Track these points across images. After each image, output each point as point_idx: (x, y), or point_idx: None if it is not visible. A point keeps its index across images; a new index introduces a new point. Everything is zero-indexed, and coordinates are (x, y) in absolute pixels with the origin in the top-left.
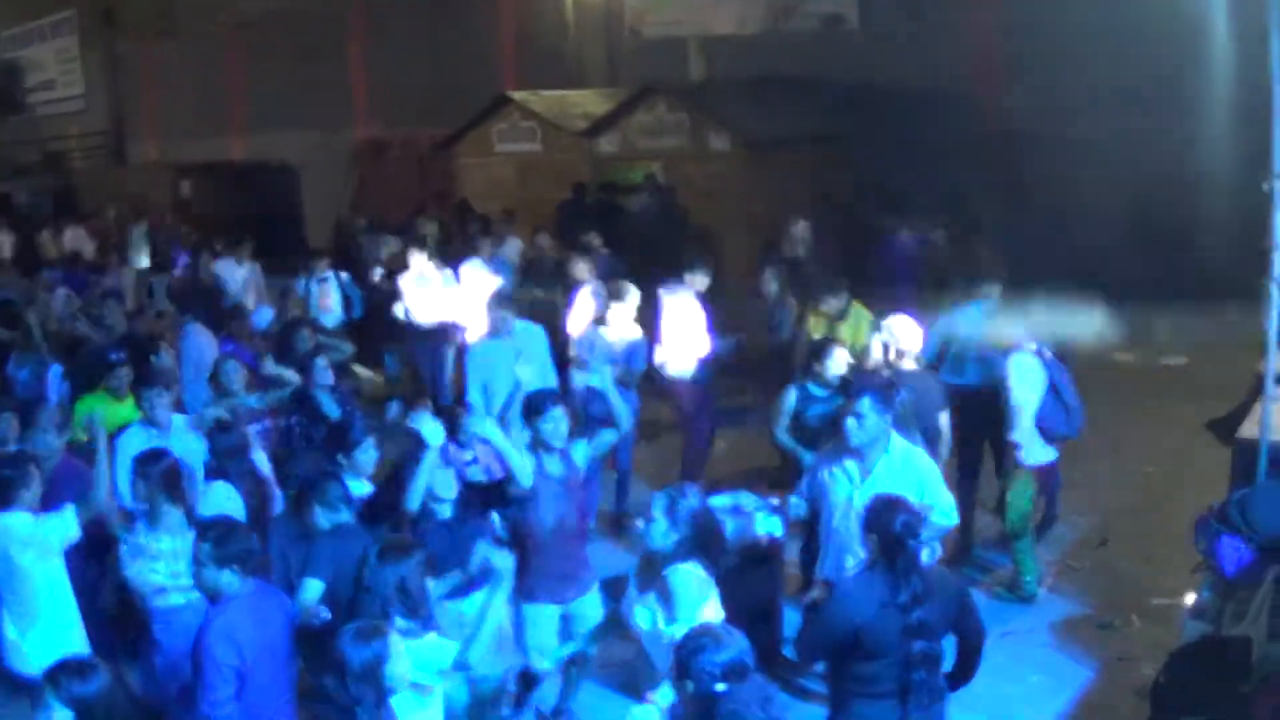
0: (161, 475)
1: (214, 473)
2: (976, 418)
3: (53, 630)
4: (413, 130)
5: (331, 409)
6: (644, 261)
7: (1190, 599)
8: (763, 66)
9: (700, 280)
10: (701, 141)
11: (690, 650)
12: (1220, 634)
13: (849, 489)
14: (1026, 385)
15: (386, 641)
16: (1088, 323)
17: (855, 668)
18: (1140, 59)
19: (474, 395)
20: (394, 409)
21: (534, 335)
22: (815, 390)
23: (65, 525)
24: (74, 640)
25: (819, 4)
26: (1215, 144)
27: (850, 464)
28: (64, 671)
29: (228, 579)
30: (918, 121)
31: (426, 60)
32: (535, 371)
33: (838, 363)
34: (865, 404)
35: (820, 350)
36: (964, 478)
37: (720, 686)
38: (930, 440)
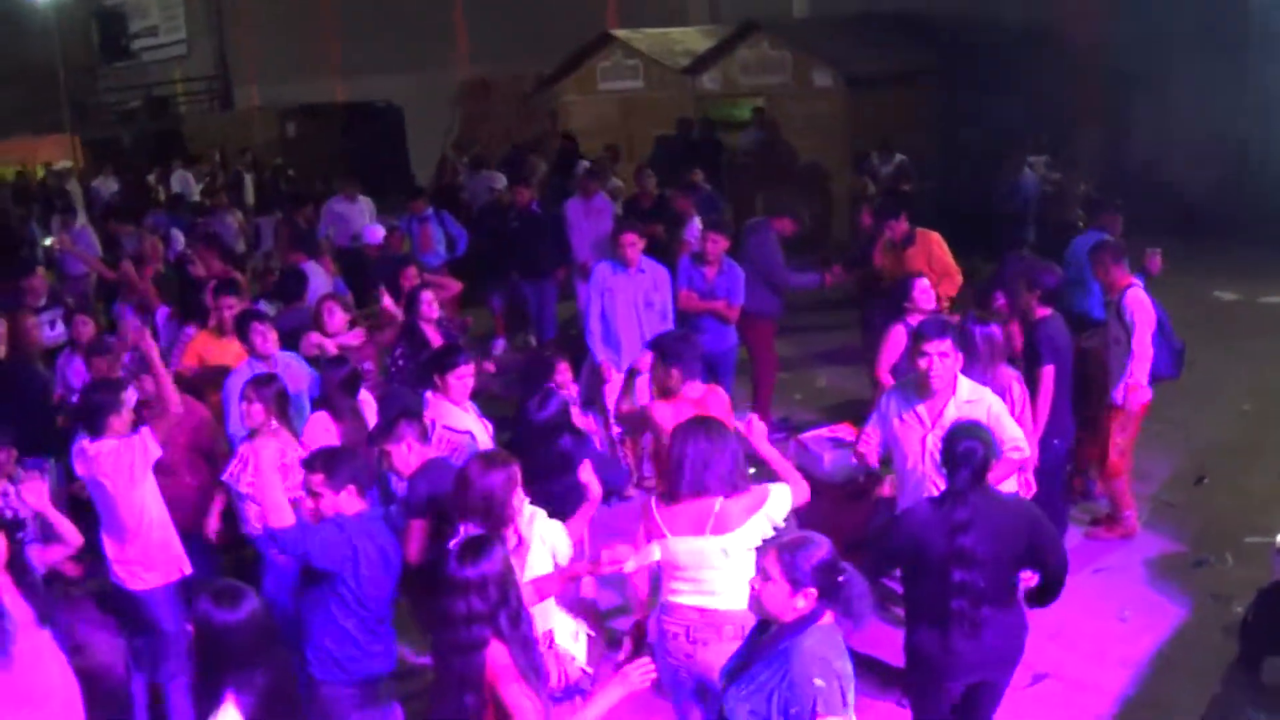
0: (273, 397)
1: (320, 404)
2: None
3: (148, 549)
4: (515, 69)
5: (436, 341)
6: (748, 197)
7: None
8: (864, 3)
9: (787, 224)
10: (804, 78)
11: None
12: None
13: (920, 432)
14: (1146, 324)
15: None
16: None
17: (911, 590)
18: None
19: (594, 322)
20: (499, 344)
21: (662, 276)
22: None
23: (146, 448)
24: (173, 559)
25: None
26: None
27: (921, 408)
28: (207, 595)
29: (345, 500)
30: (1019, 58)
31: None
32: (660, 309)
33: (924, 294)
34: (936, 345)
35: (906, 286)
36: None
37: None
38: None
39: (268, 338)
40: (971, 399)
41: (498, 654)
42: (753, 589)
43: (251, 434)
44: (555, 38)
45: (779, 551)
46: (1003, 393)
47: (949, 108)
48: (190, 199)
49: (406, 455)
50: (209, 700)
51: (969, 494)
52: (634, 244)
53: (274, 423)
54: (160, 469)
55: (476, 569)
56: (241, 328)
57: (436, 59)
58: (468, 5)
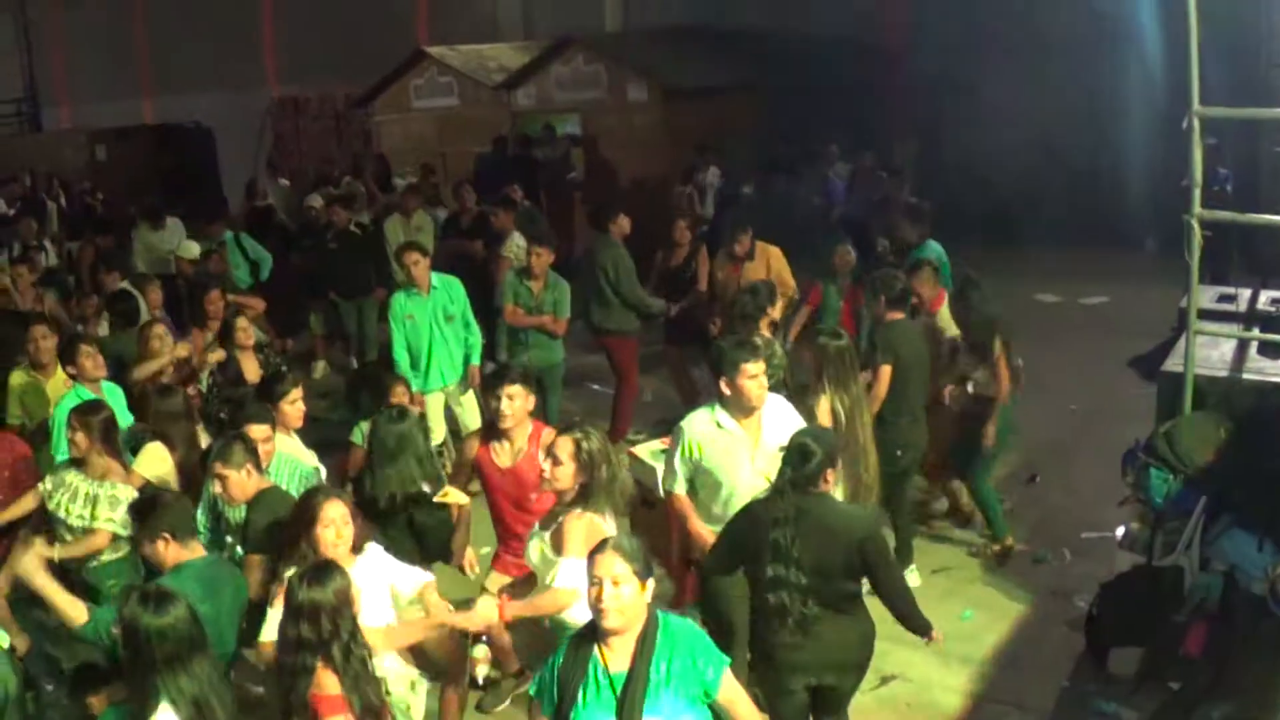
0: (99, 425)
1: (152, 434)
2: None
3: None
4: (327, 87)
5: (252, 371)
6: (565, 212)
7: (1120, 532)
8: (680, 16)
9: (625, 224)
10: (620, 92)
11: None
12: (1151, 565)
13: (745, 450)
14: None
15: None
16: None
17: (750, 585)
18: (1051, 3)
19: (399, 352)
20: (319, 367)
21: (455, 287)
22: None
23: None
24: None
25: None
26: (1128, 83)
27: (738, 426)
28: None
29: (165, 551)
30: (833, 69)
31: (338, 16)
32: (460, 318)
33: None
34: (757, 366)
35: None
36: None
37: None
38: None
39: (96, 361)
40: (780, 410)
41: (327, 683)
42: (606, 600)
43: (77, 463)
44: (366, 56)
45: (620, 553)
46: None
47: (765, 118)
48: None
49: (244, 482)
50: (140, 705)
51: (789, 492)
52: (416, 263)
53: (99, 453)
54: None
55: (309, 595)
56: (69, 352)
57: (247, 78)
58: (277, 24)
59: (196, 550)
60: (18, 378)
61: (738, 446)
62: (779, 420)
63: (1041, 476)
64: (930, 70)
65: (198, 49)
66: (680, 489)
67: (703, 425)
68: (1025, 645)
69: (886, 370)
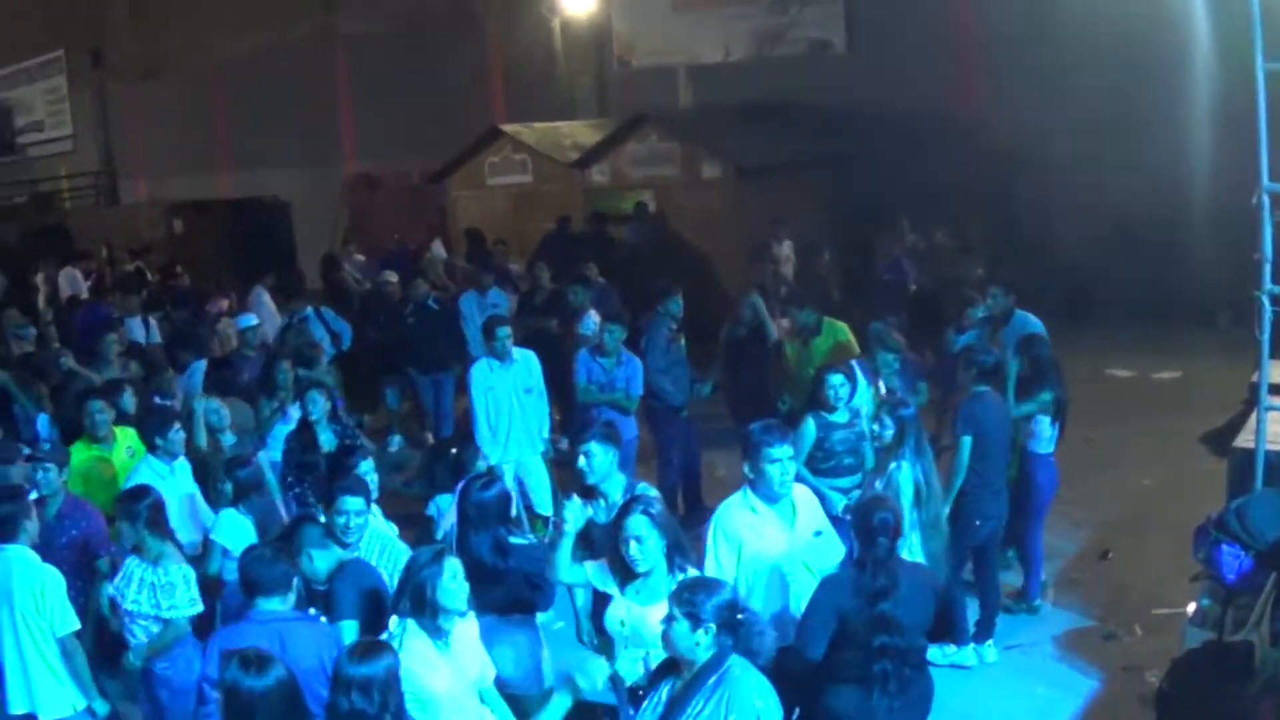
0: (143, 512)
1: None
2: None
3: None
4: (403, 164)
5: (329, 440)
6: (634, 291)
7: (1191, 608)
8: (752, 93)
9: (676, 308)
10: (693, 169)
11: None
12: (1222, 640)
13: (783, 534)
14: None
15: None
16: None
17: (832, 653)
18: (1124, 79)
19: (480, 423)
20: (395, 442)
21: (532, 361)
22: (834, 418)
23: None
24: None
25: (806, 30)
26: (1200, 160)
27: (771, 511)
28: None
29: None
30: (907, 144)
31: (415, 94)
32: (537, 393)
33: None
34: (783, 450)
35: (819, 381)
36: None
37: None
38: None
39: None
40: (807, 496)
41: None
42: (663, 630)
43: (134, 548)
44: (442, 133)
45: (680, 592)
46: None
47: (837, 195)
48: (81, 297)
49: (309, 565)
50: None
51: (888, 561)
52: (507, 336)
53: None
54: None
55: (360, 670)
56: (149, 429)
57: (324, 154)
58: (355, 100)
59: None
60: (79, 454)
61: (774, 533)
62: (808, 505)
63: (1114, 552)
64: (1005, 146)
65: (275, 124)
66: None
67: (738, 512)
68: None
69: (967, 443)
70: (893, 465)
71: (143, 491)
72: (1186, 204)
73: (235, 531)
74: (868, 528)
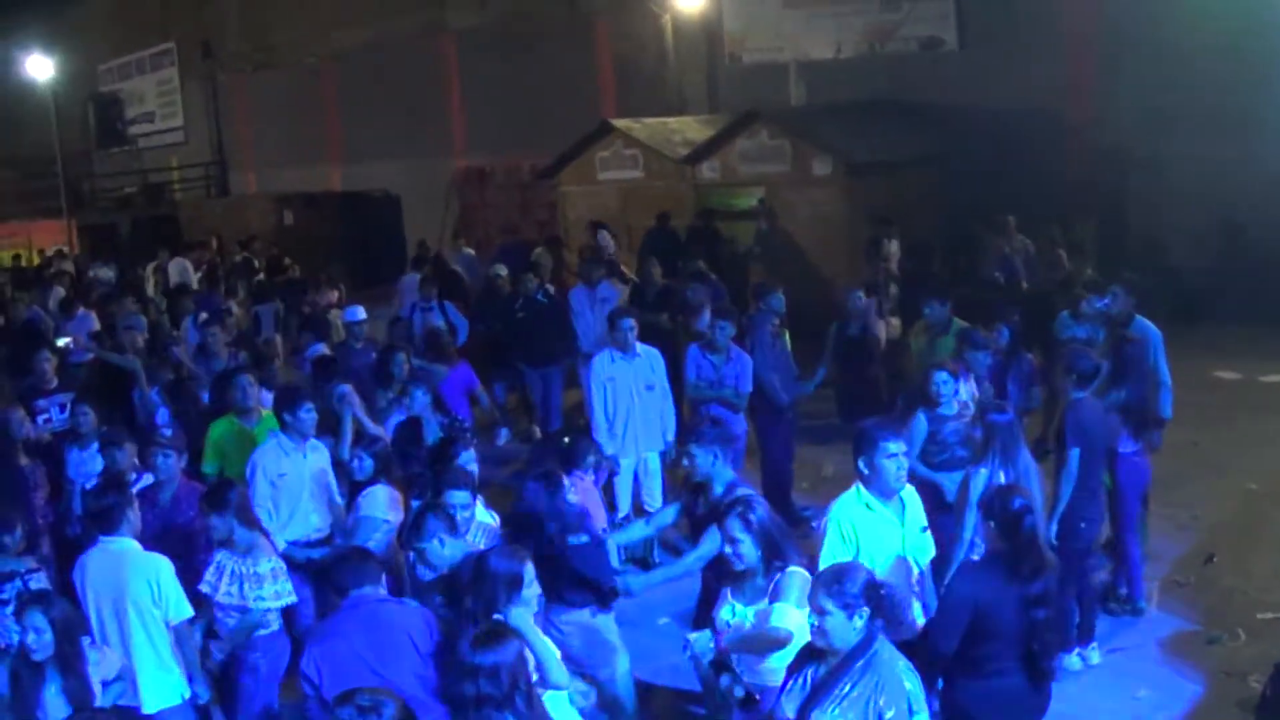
0: (230, 509)
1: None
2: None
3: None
4: (513, 158)
5: (434, 433)
6: (743, 288)
7: None
8: (862, 90)
9: (778, 300)
10: (803, 167)
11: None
12: None
13: (896, 530)
14: None
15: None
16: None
17: (973, 650)
18: (1238, 75)
19: (598, 415)
20: (504, 435)
21: (656, 358)
22: (943, 410)
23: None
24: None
25: (917, 26)
26: None
27: (888, 508)
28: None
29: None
30: (1018, 141)
31: (525, 88)
32: (660, 390)
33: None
34: (899, 445)
35: (925, 379)
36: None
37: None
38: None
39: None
40: (913, 493)
41: None
42: (814, 627)
43: (223, 543)
44: (551, 128)
45: (825, 587)
46: (1022, 477)
47: (947, 193)
48: (190, 288)
49: (439, 551)
50: None
51: (1035, 541)
52: (632, 329)
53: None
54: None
55: (487, 657)
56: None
57: (433, 148)
58: (465, 94)
59: None
60: (221, 427)
61: (889, 529)
62: (914, 501)
63: (1218, 557)
64: (1116, 144)
65: (386, 118)
66: None
67: (853, 509)
68: None
69: (1076, 454)
70: (971, 470)
71: (228, 484)
72: None
73: (387, 502)
74: (1007, 514)
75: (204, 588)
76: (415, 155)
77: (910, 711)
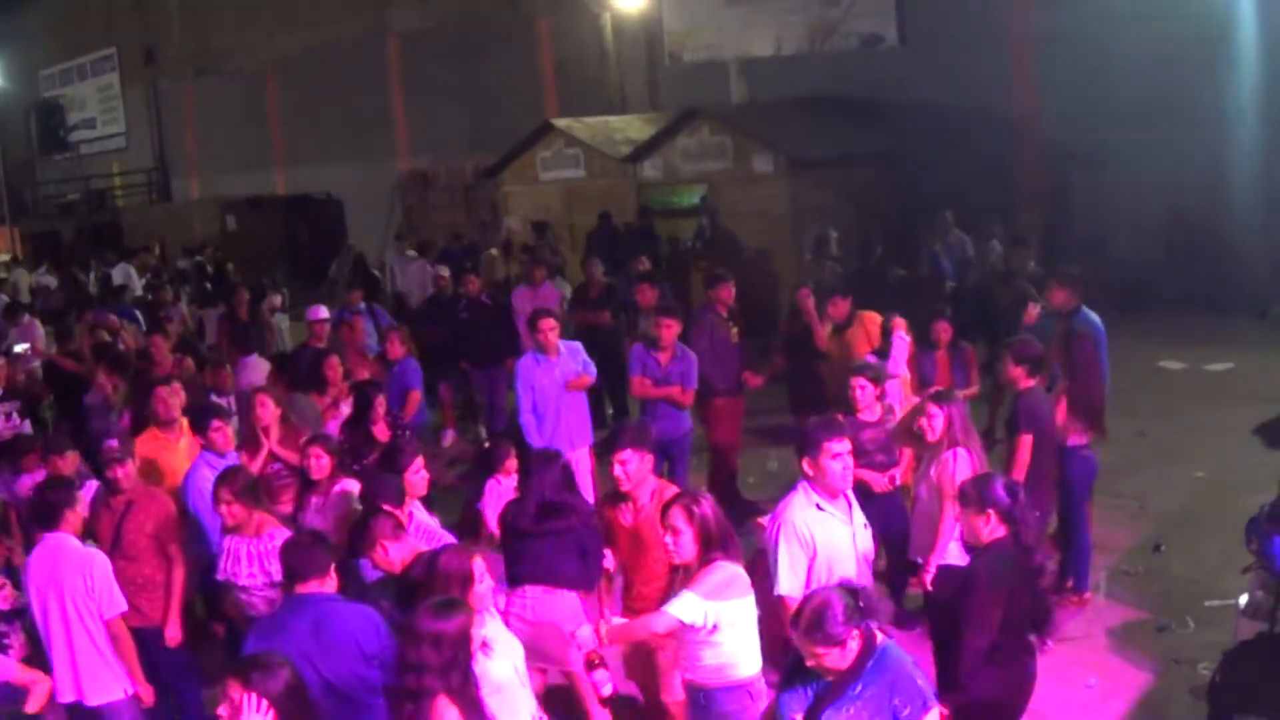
0: (246, 489)
1: None
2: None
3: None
4: (456, 160)
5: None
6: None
7: (1244, 599)
8: (804, 87)
9: (725, 291)
10: (745, 164)
11: None
12: (1275, 632)
13: (847, 531)
14: None
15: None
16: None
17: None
18: (1175, 69)
19: (525, 415)
20: (449, 435)
21: (576, 349)
22: (864, 417)
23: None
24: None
25: (858, 23)
26: (1251, 151)
27: (835, 507)
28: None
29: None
30: (958, 138)
31: (467, 91)
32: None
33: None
34: (842, 444)
35: (845, 384)
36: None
37: None
38: None
39: (226, 435)
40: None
41: (447, 712)
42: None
43: (236, 530)
44: (494, 129)
45: (807, 635)
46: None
47: (892, 189)
48: (134, 293)
49: (386, 556)
50: None
51: (1029, 519)
52: (552, 329)
53: (254, 515)
54: (124, 555)
55: (434, 624)
56: (201, 422)
57: (377, 151)
58: (407, 97)
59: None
60: (144, 443)
61: (840, 528)
62: (853, 499)
63: (1166, 545)
64: (1056, 139)
65: (327, 121)
66: (799, 592)
67: (804, 510)
68: (1149, 713)
69: (1028, 440)
70: (947, 454)
71: (235, 471)
72: (1238, 195)
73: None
74: (997, 498)
75: (220, 576)
76: (359, 158)
77: (925, 706)
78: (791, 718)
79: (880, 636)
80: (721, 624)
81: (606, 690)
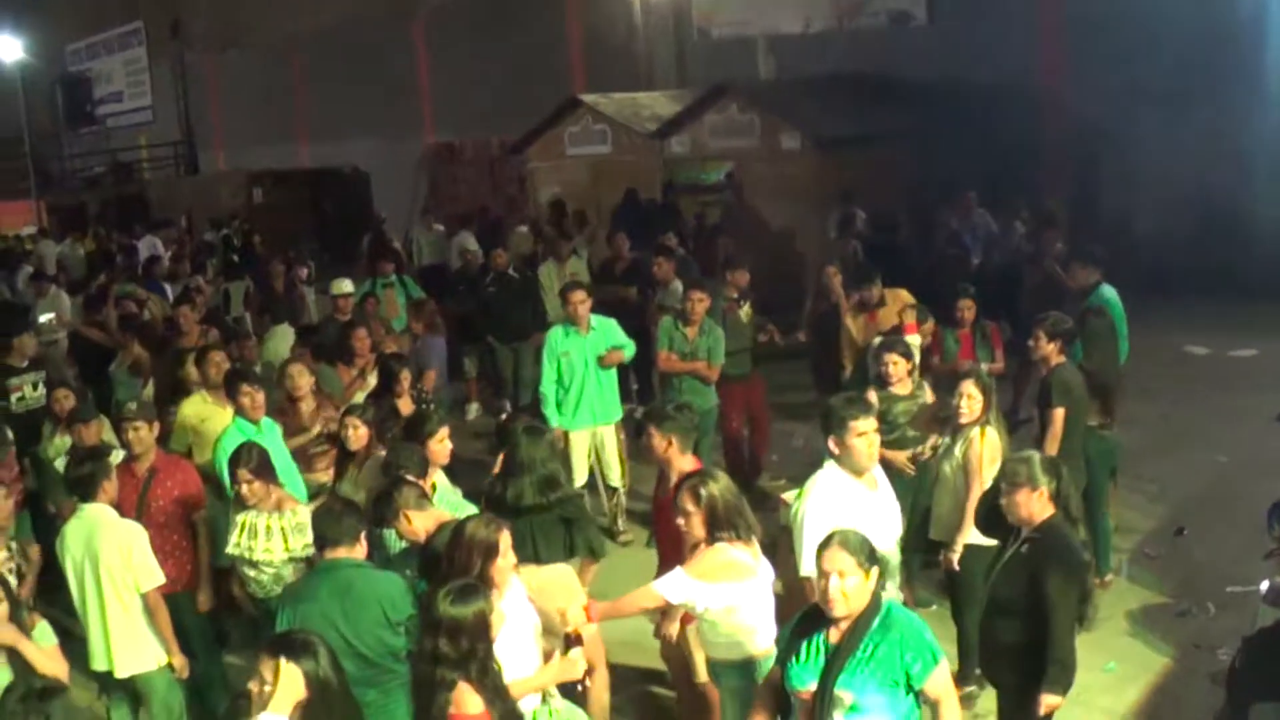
0: (261, 468)
1: None
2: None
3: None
4: (481, 134)
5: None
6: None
7: (1265, 585)
8: (831, 65)
9: (741, 277)
10: (772, 141)
11: None
12: None
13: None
14: None
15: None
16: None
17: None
18: (1205, 49)
19: (547, 387)
20: (473, 409)
21: (611, 329)
22: (896, 389)
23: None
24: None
25: (886, 1)
26: None
27: (858, 487)
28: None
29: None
30: (986, 116)
31: (494, 65)
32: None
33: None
34: (869, 423)
35: (876, 357)
36: None
37: None
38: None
39: (255, 400)
40: (879, 470)
41: (469, 702)
42: (833, 591)
43: (252, 507)
44: (521, 104)
45: (839, 548)
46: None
47: (918, 167)
48: (162, 264)
49: (410, 525)
50: None
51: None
52: (582, 302)
53: (273, 491)
54: (151, 523)
55: (452, 611)
56: (232, 389)
57: (403, 124)
58: (434, 71)
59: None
60: (192, 405)
61: (866, 506)
62: (880, 472)
63: (1188, 530)
64: (1085, 119)
65: (355, 95)
66: None
67: (831, 486)
68: (1167, 698)
69: (1061, 414)
70: (974, 432)
71: (250, 449)
72: (1267, 179)
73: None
74: (1049, 475)
75: (232, 550)
76: (384, 132)
77: (934, 658)
78: (807, 686)
79: (889, 601)
80: (714, 605)
81: (581, 669)
